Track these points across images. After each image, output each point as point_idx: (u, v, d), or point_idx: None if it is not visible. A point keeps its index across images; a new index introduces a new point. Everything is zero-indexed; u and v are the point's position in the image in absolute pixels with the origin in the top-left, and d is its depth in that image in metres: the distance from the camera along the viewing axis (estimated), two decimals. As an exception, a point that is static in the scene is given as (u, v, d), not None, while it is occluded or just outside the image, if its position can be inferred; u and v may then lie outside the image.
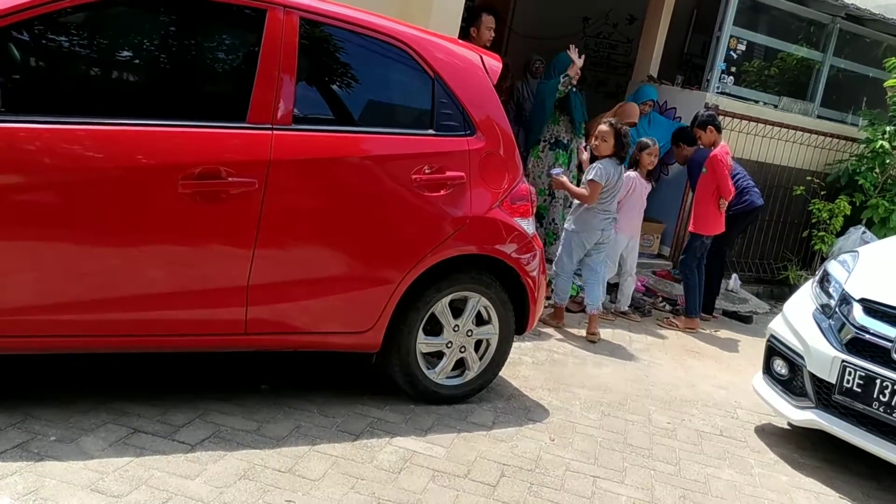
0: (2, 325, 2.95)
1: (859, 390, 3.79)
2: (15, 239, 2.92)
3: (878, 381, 3.73)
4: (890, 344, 3.76)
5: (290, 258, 3.39)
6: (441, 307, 3.80)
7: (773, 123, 8.16)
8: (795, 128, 8.39)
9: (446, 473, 3.25)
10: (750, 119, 7.98)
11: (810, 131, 8.54)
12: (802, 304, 4.40)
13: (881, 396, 3.71)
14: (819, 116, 8.92)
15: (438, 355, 3.89)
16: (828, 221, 8.28)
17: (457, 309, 3.87)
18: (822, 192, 8.52)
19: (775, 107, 8.61)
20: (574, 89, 6.59)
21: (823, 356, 3.95)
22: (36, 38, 3.07)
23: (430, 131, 3.71)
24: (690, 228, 6.46)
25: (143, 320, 3.18)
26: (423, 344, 3.81)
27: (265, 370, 3.93)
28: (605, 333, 5.84)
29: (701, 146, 6.60)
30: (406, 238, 3.62)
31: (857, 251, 4.54)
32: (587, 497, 3.29)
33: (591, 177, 5.57)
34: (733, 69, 8.32)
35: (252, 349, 3.56)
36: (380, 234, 3.56)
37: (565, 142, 6.71)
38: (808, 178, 8.45)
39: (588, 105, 6.98)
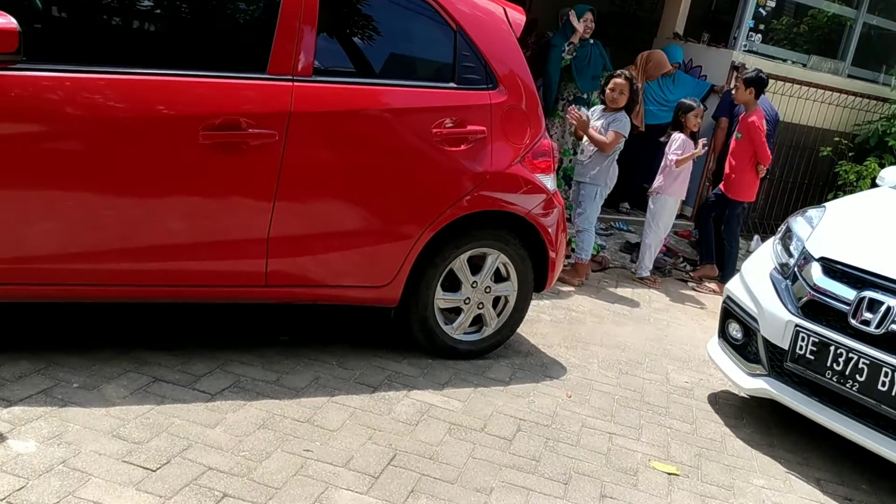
0: (26, 273, 2.98)
1: (812, 358, 3.46)
2: (37, 188, 2.94)
3: (831, 349, 3.39)
4: (847, 307, 3.41)
5: (309, 211, 3.39)
6: (459, 263, 3.79)
7: (800, 83, 8.01)
8: (824, 87, 8.22)
9: (463, 427, 3.27)
10: (777, 78, 7.83)
11: (840, 91, 8.37)
12: (761, 263, 4.04)
13: (835, 365, 3.37)
14: (849, 76, 8.74)
15: (456, 311, 3.90)
16: (854, 183, 8.15)
17: (475, 265, 3.87)
18: (850, 154, 8.38)
19: (804, 66, 8.44)
20: (592, 42, 6.50)
21: (777, 320, 3.61)
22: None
23: (452, 84, 3.67)
24: (724, 191, 6.34)
25: (164, 270, 3.20)
26: (442, 300, 3.81)
27: (285, 322, 3.96)
28: (625, 292, 5.83)
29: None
30: (425, 193, 3.60)
31: (825, 206, 4.18)
32: (603, 453, 3.31)
33: (617, 127, 5.52)
34: (761, 27, 8.16)
35: (272, 301, 3.58)
36: (399, 188, 3.55)
37: (585, 97, 6.62)
38: (836, 139, 8.31)
39: (613, 61, 6.88)
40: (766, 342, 3.68)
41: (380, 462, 2.89)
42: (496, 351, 4.08)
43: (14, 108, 2.84)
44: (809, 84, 8.08)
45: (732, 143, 6.31)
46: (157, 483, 2.52)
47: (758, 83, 6.14)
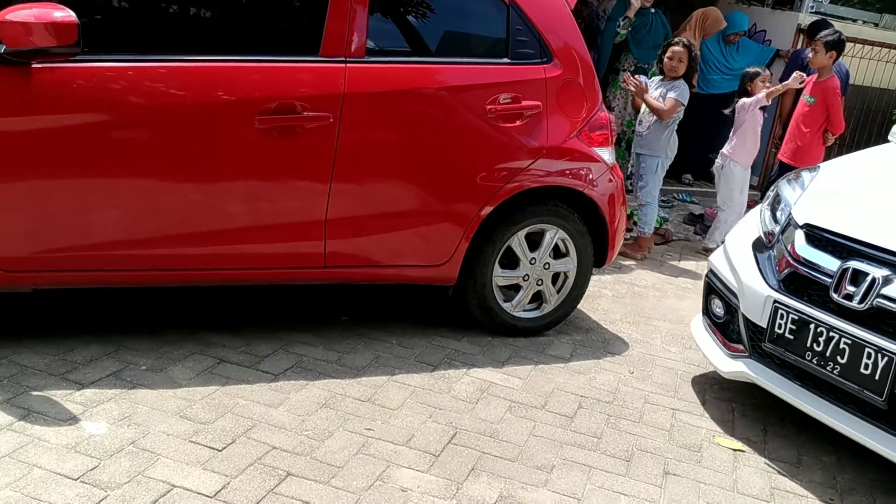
0: (93, 259, 3.07)
1: (791, 337, 3.06)
2: (102, 176, 3.01)
3: (811, 327, 2.98)
4: (829, 280, 2.99)
5: (366, 191, 3.40)
6: (517, 240, 3.76)
7: (871, 43, 7.69)
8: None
9: (523, 404, 3.27)
10: (847, 40, 7.53)
11: (914, 51, 8.04)
12: (746, 232, 3.59)
13: (815, 345, 2.98)
14: (923, 34, 8.37)
15: (515, 288, 3.88)
16: (930, 147, 7.82)
17: (534, 242, 3.84)
18: (925, 116, 8.05)
19: (875, 25, 8.11)
20: (654, 11, 6.35)
21: (757, 295, 3.20)
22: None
23: (505, 60, 3.62)
24: (787, 160, 6.03)
25: (226, 254, 3.25)
26: (500, 277, 3.80)
27: (345, 303, 4.00)
28: (689, 265, 5.72)
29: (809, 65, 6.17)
30: (481, 170, 3.58)
31: (819, 166, 3.76)
32: (666, 429, 3.27)
33: (675, 95, 5.39)
34: (830, -14, 7.86)
35: (331, 282, 3.61)
36: (455, 166, 3.53)
37: (645, 67, 6.49)
38: (910, 101, 7.99)
39: (675, 29, 6.72)
40: (746, 320, 3.28)
41: (440, 440, 2.90)
42: (556, 327, 4.05)
43: (78, 98, 2.91)
44: (882, 44, 7.76)
45: (801, 108, 6.05)
46: (223, 462, 2.58)
47: (839, 46, 5.85)
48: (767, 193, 3.74)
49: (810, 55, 6.05)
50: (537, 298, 3.95)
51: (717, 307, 3.55)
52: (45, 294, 3.38)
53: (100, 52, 2.95)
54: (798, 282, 3.13)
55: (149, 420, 2.75)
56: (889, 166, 3.64)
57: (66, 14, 2.75)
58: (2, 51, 2.76)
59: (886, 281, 2.84)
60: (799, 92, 6.19)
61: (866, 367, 2.83)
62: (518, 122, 3.61)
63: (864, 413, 2.90)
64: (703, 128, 7.10)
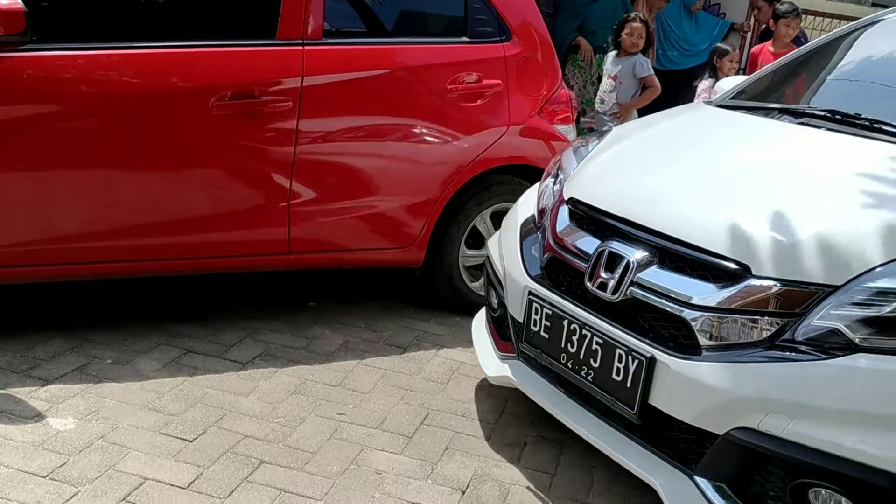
0: (51, 253, 3.01)
1: (546, 336, 2.57)
2: (58, 168, 2.95)
3: (565, 323, 2.49)
4: (585, 265, 2.49)
5: (328, 175, 3.37)
6: (482, 220, 3.77)
7: (823, 14, 7.80)
8: (848, 18, 8.02)
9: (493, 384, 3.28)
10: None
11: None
12: (522, 210, 3.04)
13: (569, 346, 2.48)
14: (874, 4, 8.50)
15: (482, 268, 3.89)
16: None
17: (499, 222, 3.84)
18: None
19: (827, -4, 8.22)
20: None
21: (516, 286, 2.73)
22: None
23: (464, 39, 3.61)
24: None
25: (188, 243, 3.21)
26: (466, 257, 3.80)
27: (311, 288, 3.98)
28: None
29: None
30: (444, 150, 3.57)
31: (612, 126, 3.28)
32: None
33: (645, 72, 5.44)
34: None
35: (297, 268, 3.58)
36: (417, 147, 3.52)
37: (603, 46, 6.51)
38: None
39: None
40: (511, 315, 2.81)
41: (413, 422, 2.91)
42: (523, 305, 4.07)
43: (28, 88, 2.85)
44: (832, 15, 7.87)
45: None
46: (195, 453, 2.55)
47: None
48: (553, 160, 3.17)
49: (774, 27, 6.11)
50: (504, 277, 3.96)
51: (494, 299, 3.02)
52: (3, 290, 3.31)
53: (49, 40, 2.88)
54: (557, 269, 2.65)
55: (117, 414, 2.71)
56: (678, 131, 3.09)
57: (12, 2, 2.68)
58: (-53, 41, 2.68)
59: (643, 266, 2.34)
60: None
61: (618, 371, 2.33)
62: (479, 102, 3.60)
63: (625, 427, 2.40)
64: (663, 106, 7.13)
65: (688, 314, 2.22)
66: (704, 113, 3.22)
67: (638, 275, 2.34)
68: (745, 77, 3.62)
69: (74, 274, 3.14)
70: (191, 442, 2.61)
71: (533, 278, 2.68)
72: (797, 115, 2.87)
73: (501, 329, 2.96)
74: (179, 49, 3.08)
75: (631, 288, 2.34)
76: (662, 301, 2.28)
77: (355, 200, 3.44)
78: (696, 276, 2.26)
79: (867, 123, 2.66)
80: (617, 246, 2.43)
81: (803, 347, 2.06)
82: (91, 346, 3.12)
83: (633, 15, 5.60)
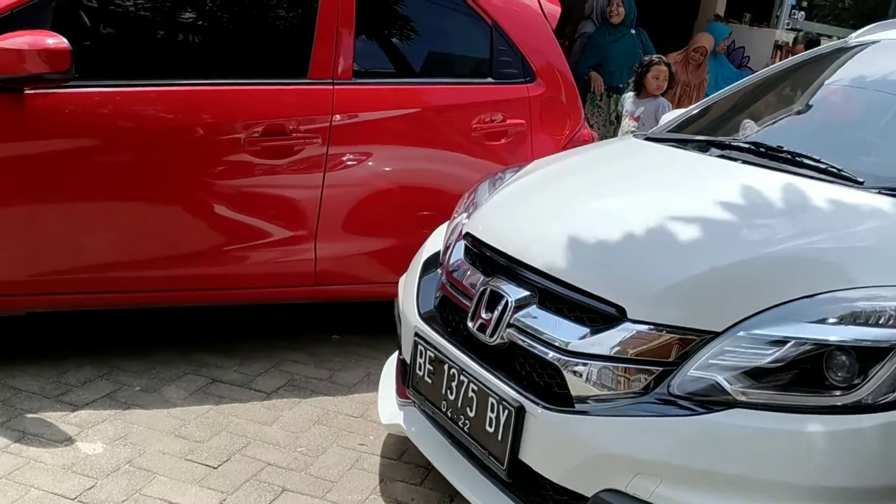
0: (86, 282, 3.11)
1: (429, 381, 2.39)
2: (95, 200, 3.06)
3: (445, 367, 2.31)
4: (470, 304, 2.32)
5: (355, 211, 3.45)
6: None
7: None
8: None
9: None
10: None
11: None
12: (431, 244, 2.91)
13: (449, 392, 2.29)
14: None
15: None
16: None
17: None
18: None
19: (850, 41, 8.28)
20: (634, 31, 6.46)
21: (408, 326, 2.57)
22: (103, 4, 3.17)
23: (489, 79, 3.70)
24: None
25: (218, 274, 3.30)
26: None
27: (335, 321, 4.04)
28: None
29: None
30: (467, 187, 3.63)
31: (534, 163, 3.05)
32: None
33: (670, 111, 5.47)
34: (805, 3, 8.03)
35: (322, 300, 3.65)
36: (442, 183, 3.59)
37: (620, 86, 6.60)
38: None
39: (656, 46, 6.84)
40: (403, 358, 2.67)
41: (433, 454, 2.94)
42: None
43: (69, 123, 2.96)
44: None
45: None
46: (219, 479, 2.61)
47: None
48: (467, 193, 3.02)
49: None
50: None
51: (400, 340, 2.77)
52: (38, 317, 3.40)
53: (90, 77, 3.00)
54: (448, 308, 2.49)
55: (144, 439, 2.78)
56: (586, 165, 2.95)
57: (58, 41, 2.80)
58: (-4, 78, 2.81)
59: (521, 306, 2.16)
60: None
61: (490, 422, 2.12)
62: (503, 140, 3.68)
63: (502, 484, 2.17)
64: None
65: (561, 360, 2.02)
66: (623, 146, 3.10)
67: (515, 316, 2.14)
68: (690, 107, 3.49)
69: (108, 303, 3.24)
70: (215, 468, 2.66)
71: (423, 318, 2.50)
72: (721, 148, 2.73)
73: (405, 373, 2.67)
74: (214, 87, 3.19)
75: (509, 330, 2.15)
76: (537, 345, 2.08)
77: (381, 235, 3.51)
78: (573, 318, 2.07)
79: (788, 157, 2.52)
80: (499, 284, 2.25)
81: (680, 401, 1.86)
82: (121, 374, 3.20)
83: (656, 58, 5.67)
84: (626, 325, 1.96)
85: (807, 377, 1.80)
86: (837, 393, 1.76)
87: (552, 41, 3.87)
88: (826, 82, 3.18)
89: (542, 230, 2.36)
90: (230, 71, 3.30)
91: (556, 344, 2.04)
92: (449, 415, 2.30)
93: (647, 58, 5.72)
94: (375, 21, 3.64)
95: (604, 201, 2.50)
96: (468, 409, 2.22)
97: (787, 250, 2.04)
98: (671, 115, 3.55)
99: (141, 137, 3.06)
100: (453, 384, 2.27)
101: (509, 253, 2.32)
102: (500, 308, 2.19)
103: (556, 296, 2.13)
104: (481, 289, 2.29)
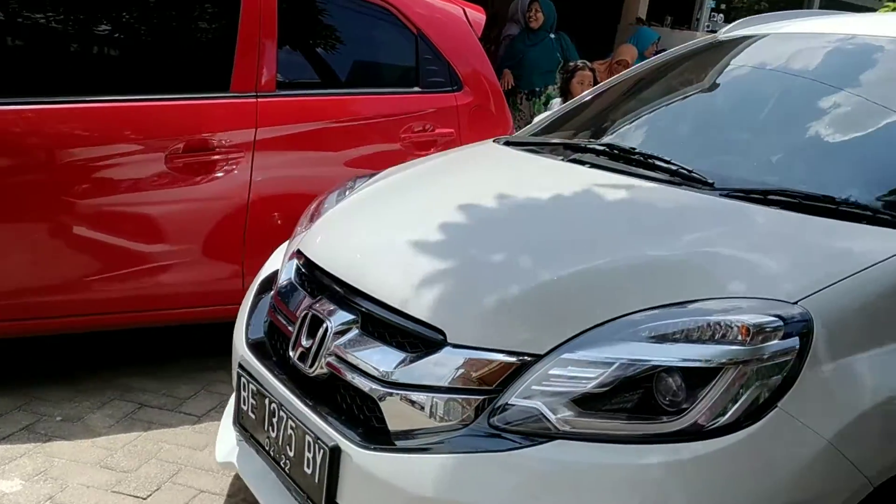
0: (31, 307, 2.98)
1: (254, 416, 2.17)
2: (8, 221, 2.92)
3: (266, 402, 2.09)
4: (293, 329, 2.10)
5: (283, 225, 3.37)
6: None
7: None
8: None
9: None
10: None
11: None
12: (271, 263, 2.66)
13: (270, 430, 2.07)
14: None
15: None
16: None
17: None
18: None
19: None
20: (553, 36, 6.53)
21: (236, 354, 2.36)
22: (11, 17, 3.03)
23: (417, 88, 3.67)
24: None
25: (143, 296, 3.19)
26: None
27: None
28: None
29: None
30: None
31: (387, 170, 2.79)
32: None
33: (545, 113, 5.52)
34: (723, 6, 8.23)
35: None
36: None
37: (538, 90, 6.65)
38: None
39: (578, 50, 6.91)
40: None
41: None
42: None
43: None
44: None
45: None
46: (148, 511, 2.51)
47: None
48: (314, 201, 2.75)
49: None
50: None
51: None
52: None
53: (2, 94, 2.87)
54: (275, 335, 2.27)
55: (66, 473, 2.65)
56: (433, 174, 2.73)
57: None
58: None
59: (342, 332, 1.94)
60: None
61: (308, 463, 1.90)
62: (433, 150, 3.64)
63: None
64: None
65: (378, 392, 1.81)
66: (477, 152, 2.90)
67: (336, 343, 1.93)
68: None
69: (23, 330, 3.09)
70: (144, 499, 2.56)
71: (249, 346, 2.28)
72: (576, 151, 2.56)
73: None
74: (134, 102, 3.09)
75: (329, 359, 1.93)
76: (356, 375, 1.87)
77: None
78: (395, 345, 1.86)
79: (641, 159, 2.35)
80: (322, 309, 2.03)
81: (504, 434, 1.66)
82: (40, 404, 3.06)
83: (581, 63, 5.72)
84: (447, 350, 1.75)
85: (639, 403, 1.61)
86: (665, 419, 1.58)
87: (478, 49, 3.86)
88: (693, 80, 3.02)
89: (368, 247, 2.17)
90: (150, 86, 3.19)
91: (374, 374, 1.83)
92: (272, 454, 2.08)
93: (572, 63, 5.78)
94: (299, 32, 3.57)
95: (437, 215, 2.22)
96: (288, 448, 1.99)
97: (619, 262, 1.86)
98: (543, 116, 3.37)
99: (56, 156, 2.94)
100: (274, 420, 2.05)
101: (333, 272, 2.10)
102: (319, 335, 1.97)
103: (378, 320, 1.91)
104: (303, 314, 2.07)
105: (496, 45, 7.22)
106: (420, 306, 1.84)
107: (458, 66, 3.74)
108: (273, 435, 2.06)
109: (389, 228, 2.26)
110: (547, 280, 1.82)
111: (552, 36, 6.57)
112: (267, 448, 2.10)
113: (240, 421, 2.26)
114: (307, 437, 1.90)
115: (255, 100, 3.25)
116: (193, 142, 3.11)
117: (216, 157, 3.16)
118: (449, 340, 1.76)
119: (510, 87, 6.47)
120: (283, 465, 2.03)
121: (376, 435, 1.80)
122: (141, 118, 3.09)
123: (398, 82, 3.74)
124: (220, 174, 3.18)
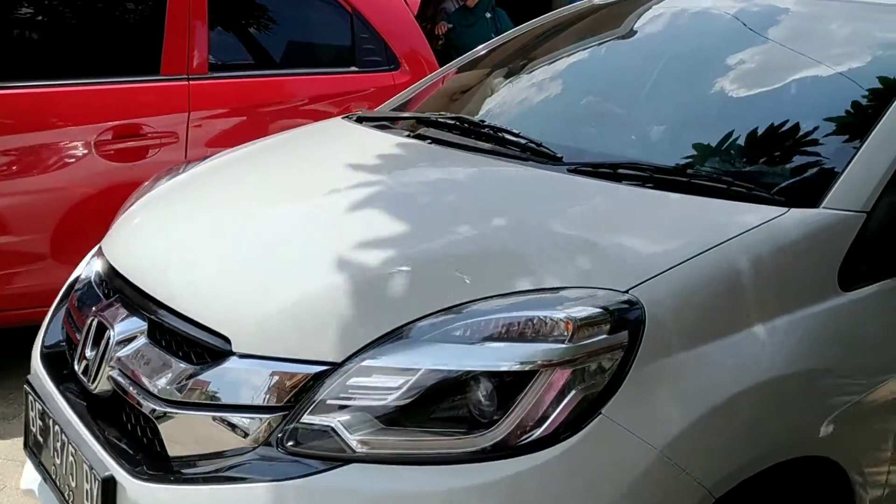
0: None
1: (42, 440, 1.86)
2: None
3: (50, 423, 1.79)
4: (80, 337, 1.83)
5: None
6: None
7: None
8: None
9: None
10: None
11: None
12: (84, 261, 2.25)
13: (56, 456, 1.77)
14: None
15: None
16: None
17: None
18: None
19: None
20: (489, 15, 6.51)
21: (31, 369, 2.01)
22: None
23: (353, 68, 3.63)
24: None
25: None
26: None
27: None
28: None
29: None
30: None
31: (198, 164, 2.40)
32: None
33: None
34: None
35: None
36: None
37: None
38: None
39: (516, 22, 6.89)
40: None
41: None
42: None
43: None
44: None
45: None
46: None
47: None
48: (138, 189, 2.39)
49: None
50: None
51: None
52: None
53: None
54: (70, 345, 1.95)
55: None
56: (265, 155, 2.45)
57: None
58: None
59: (126, 341, 1.68)
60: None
61: (87, 496, 1.63)
62: (371, 130, 3.62)
63: None
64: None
65: (156, 411, 1.55)
66: (319, 130, 2.65)
67: (118, 354, 1.66)
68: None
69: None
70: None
71: (43, 357, 1.97)
72: (426, 125, 2.28)
73: None
74: (61, 88, 3.01)
75: (112, 372, 1.66)
76: (137, 391, 1.60)
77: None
78: (181, 355, 1.60)
79: (490, 133, 2.12)
80: (109, 315, 1.75)
81: (297, 458, 1.41)
82: None
83: None
84: (233, 360, 1.50)
85: (448, 416, 1.38)
86: (476, 433, 1.35)
87: (415, 27, 3.84)
88: (563, 49, 2.73)
89: (163, 244, 1.92)
90: (78, 70, 3.09)
91: (152, 390, 1.57)
92: (58, 485, 1.77)
93: None
94: (231, 12, 3.50)
95: (245, 205, 2.00)
96: (71, 478, 1.70)
97: (434, 253, 1.62)
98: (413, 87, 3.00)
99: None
100: (58, 445, 1.75)
101: (123, 272, 1.85)
102: (102, 345, 1.71)
103: (165, 328, 1.65)
104: (90, 320, 1.78)
105: (432, 23, 7.17)
106: (207, 311, 1.60)
107: (395, 44, 3.70)
108: (57, 462, 1.76)
109: (189, 221, 2.00)
110: (348, 276, 1.55)
111: (488, 15, 6.54)
112: (54, 478, 1.80)
113: (30, 445, 1.92)
114: (84, 466, 1.62)
115: (186, 83, 3.17)
116: (123, 127, 3.02)
117: (148, 142, 3.08)
118: (235, 350, 1.50)
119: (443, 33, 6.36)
120: (67, 498, 1.73)
121: (158, 462, 1.54)
122: (67, 104, 2.98)
123: (335, 62, 3.69)
124: (152, 160, 3.10)
